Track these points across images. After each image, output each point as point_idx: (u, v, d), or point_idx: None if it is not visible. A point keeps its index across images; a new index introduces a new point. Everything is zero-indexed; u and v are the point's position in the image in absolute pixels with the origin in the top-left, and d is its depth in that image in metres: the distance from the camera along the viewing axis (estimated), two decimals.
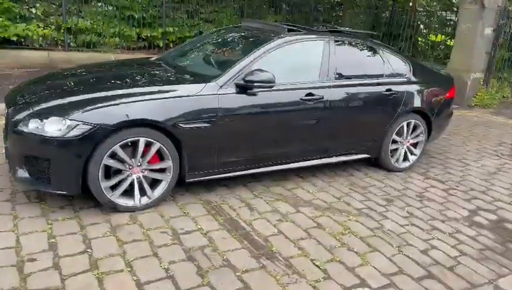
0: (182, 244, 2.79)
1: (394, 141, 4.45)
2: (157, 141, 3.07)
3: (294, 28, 4.10)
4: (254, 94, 3.42)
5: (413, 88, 4.43)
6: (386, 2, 13.63)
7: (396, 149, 4.50)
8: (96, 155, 2.88)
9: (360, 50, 4.26)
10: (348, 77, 4.01)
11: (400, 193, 4.03)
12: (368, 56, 4.29)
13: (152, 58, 4.46)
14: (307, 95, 3.69)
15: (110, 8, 9.71)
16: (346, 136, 4.13)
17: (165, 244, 2.76)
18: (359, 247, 2.99)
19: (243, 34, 4.34)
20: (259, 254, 2.77)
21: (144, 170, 3.13)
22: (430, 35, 12.56)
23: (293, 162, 3.88)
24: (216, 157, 3.39)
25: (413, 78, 4.48)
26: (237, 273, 2.55)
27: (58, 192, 2.98)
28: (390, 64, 4.35)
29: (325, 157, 4.08)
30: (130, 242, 2.75)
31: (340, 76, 3.94)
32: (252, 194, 3.64)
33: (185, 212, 3.21)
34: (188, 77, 3.58)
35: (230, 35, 4.45)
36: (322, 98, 3.76)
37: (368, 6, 13.71)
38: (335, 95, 3.85)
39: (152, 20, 10.14)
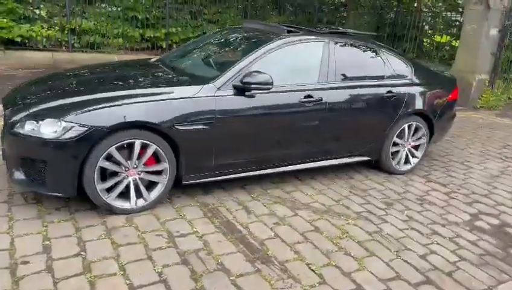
0: (177, 247, 2.77)
1: (395, 144, 4.40)
2: (154, 143, 3.06)
3: (294, 29, 4.07)
4: (252, 96, 3.39)
5: (415, 90, 4.38)
6: (391, 2, 13.54)
7: (397, 152, 4.46)
8: (91, 157, 2.87)
9: (361, 51, 4.21)
10: (348, 79, 3.97)
11: (401, 196, 3.98)
12: (368, 57, 4.24)
13: (152, 60, 4.45)
14: (306, 97, 3.66)
15: (114, 9, 9.74)
16: (345, 138, 4.09)
17: (159, 248, 2.74)
18: (356, 251, 2.95)
19: (242, 35, 4.32)
20: (254, 257, 2.74)
21: (140, 172, 3.11)
22: (435, 36, 12.46)
23: (291, 165, 3.84)
24: (213, 159, 3.37)
25: (414, 80, 4.43)
26: (231, 278, 2.52)
27: (54, 194, 2.97)
28: (391, 65, 4.30)
29: (324, 160, 4.04)
30: (125, 245, 2.73)
31: (340, 78, 3.90)
32: (250, 196, 3.61)
33: (181, 215, 3.19)
34: (186, 78, 3.56)
35: (230, 36, 4.43)
36: (321, 100, 3.72)
37: (372, 7, 13.64)
38: (334, 97, 3.82)
39: (155, 21, 10.17)
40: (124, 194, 3.11)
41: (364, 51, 4.24)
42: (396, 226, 3.37)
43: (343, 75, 3.94)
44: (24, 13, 8.62)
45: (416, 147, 4.59)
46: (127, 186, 3.10)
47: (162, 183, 3.20)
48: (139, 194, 3.15)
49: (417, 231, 3.34)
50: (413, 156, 4.58)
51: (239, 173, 3.57)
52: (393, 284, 2.63)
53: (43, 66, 8.11)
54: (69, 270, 2.43)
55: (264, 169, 3.70)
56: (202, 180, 3.41)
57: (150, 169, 3.15)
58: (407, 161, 4.54)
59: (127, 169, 3.06)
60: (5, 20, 8.15)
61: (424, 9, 12.92)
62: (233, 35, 4.41)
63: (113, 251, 2.66)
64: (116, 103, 2.97)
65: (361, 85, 4.03)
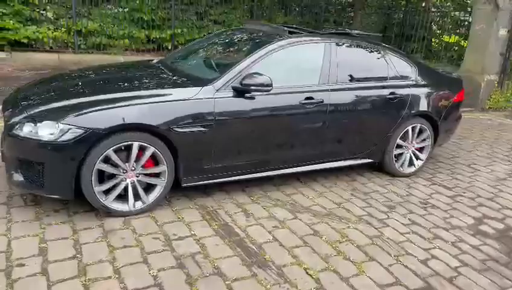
0: (174, 250, 2.75)
1: (399, 146, 4.34)
2: (152, 145, 3.04)
3: (296, 30, 4.03)
4: (252, 98, 3.36)
5: (419, 91, 4.32)
6: (399, 2, 13.42)
7: (401, 154, 4.39)
8: (89, 159, 2.86)
9: (363, 52, 4.16)
10: (350, 80, 3.93)
11: (403, 199, 3.92)
12: (371, 58, 4.18)
13: (153, 61, 4.45)
14: (307, 98, 3.61)
15: (120, 10, 9.79)
16: (347, 140, 4.03)
17: (155, 251, 2.72)
18: (356, 256, 2.90)
19: (243, 36, 4.29)
20: (251, 261, 2.71)
21: (138, 175, 3.10)
22: (444, 36, 12.32)
23: (292, 167, 3.80)
24: (212, 162, 3.34)
25: (419, 81, 4.37)
26: (227, 282, 2.49)
27: (52, 196, 2.97)
28: (395, 66, 4.24)
29: (325, 162, 3.99)
30: (121, 248, 2.72)
31: (341, 79, 3.85)
32: (250, 199, 3.58)
33: (179, 218, 3.17)
34: (185, 80, 3.53)
35: (231, 37, 4.40)
36: (322, 101, 3.67)
37: (380, 7, 13.53)
38: (335, 98, 3.77)
39: (161, 22, 10.19)
40: (122, 197, 3.10)
41: (366, 52, 4.18)
42: (398, 230, 3.31)
43: (345, 76, 3.89)
44: (31, 15, 8.70)
45: (420, 149, 4.52)
46: (125, 189, 3.09)
47: (161, 185, 3.19)
48: (137, 197, 3.13)
49: (419, 235, 3.28)
50: (418, 158, 4.51)
51: (239, 176, 3.54)
52: (392, 289, 2.59)
53: (49, 67, 8.17)
54: (64, 273, 2.42)
55: (264, 171, 3.66)
56: (201, 182, 3.39)
57: (148, 171, 3.14)
58: (411, 164, 4.47)
59: (125, 171, 3.04)
60: (11, 21, 8.23)
61: (433, 9, 12.78)
62: (234, 37, 4.38)
63: (109, 253, 2.64)
64: (114, 105, 2.95)
65: (363, 86, 3.98)
